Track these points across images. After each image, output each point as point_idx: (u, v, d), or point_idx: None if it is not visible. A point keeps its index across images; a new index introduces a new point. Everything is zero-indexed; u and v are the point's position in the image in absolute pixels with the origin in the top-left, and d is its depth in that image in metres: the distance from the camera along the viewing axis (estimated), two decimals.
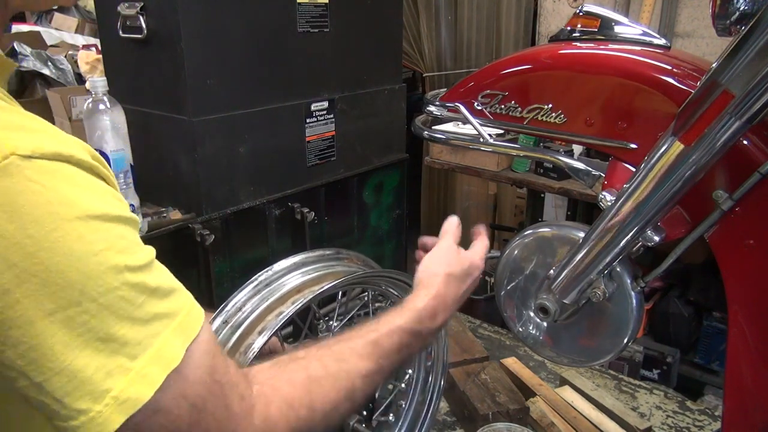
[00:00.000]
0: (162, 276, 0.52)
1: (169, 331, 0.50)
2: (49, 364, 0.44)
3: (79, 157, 0.48)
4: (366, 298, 0.95)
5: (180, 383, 0.50)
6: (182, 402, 0.50)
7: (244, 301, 0.79)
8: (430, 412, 1.07)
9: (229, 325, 0.77)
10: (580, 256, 0.82)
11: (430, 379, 1.07)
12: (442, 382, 1.06)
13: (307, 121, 1.70)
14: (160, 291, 0.50)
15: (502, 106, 0.88)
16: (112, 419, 0.46)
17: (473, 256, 0.86)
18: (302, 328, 0.86)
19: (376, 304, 0.98)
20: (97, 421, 0.45)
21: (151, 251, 0.52)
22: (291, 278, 0.84)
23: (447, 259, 0.83)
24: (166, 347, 0.49)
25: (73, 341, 0.44)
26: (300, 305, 0.75)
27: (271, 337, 0.75)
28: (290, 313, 0.75)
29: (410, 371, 1.06)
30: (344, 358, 0.66)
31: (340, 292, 0.89)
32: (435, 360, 1.06)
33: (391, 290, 0.95)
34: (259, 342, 0.74)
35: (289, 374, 0.62)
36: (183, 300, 0.53)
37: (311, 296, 0.76)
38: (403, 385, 1.05)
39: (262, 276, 0.82)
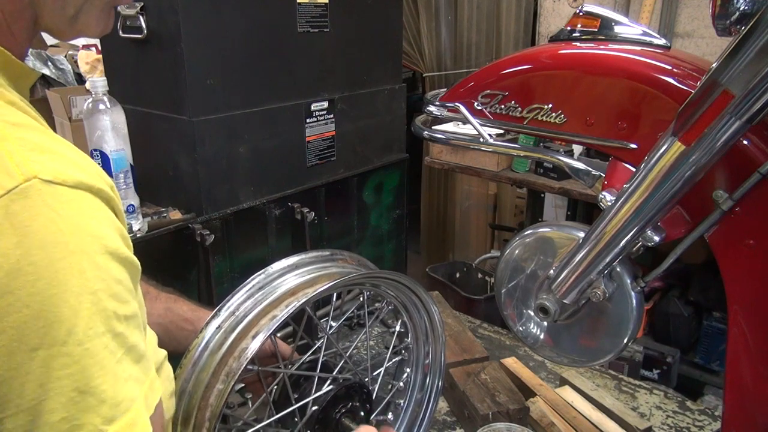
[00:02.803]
0: (138, 335, 0.50)
1: (141, 397, 0.48)
2: (17, 400, 0.42)
3: (99, 186, 0.47)
4: (361, 299, 0.95)
5: None
6: None
7: (238, 305, 0.79)
8: (429, 411, 1.07)
9: (222, 330, 0.77)
10: (580, 256, 0.82)
11: (427, 380, 1.07)
12: (440, 383, 1.06)
13: (307, 121, 1.70)
14: (135, 352, 0.48)
15: (502, 106, 0.88)
16: None
17: None
18: (298, 329, 0.86)
19: (376, 304, 0.98)
20: None
21: (135, 305, 0.50)
22: (285, 281, 0.84)
23: None
24: (139, 415, 0.47)
25: (49, 384, 0.42)
26: (293, 309, 0.75)
27: (264, 340, 0.75)
28: (283, 317, 0.75)
29: (408, 370, 1.06)
30: None
31: (335, 294, 0.89)
32: (432, 360, 1.06)
33: (388, 291, 0.95)
34: (252, 346, 0.74)
35: None
36: (149, 368, 0.51)
37: (304, 299, 0.76)
38: (401, 384, 1.05)
39: (256, 279, 0.82)
